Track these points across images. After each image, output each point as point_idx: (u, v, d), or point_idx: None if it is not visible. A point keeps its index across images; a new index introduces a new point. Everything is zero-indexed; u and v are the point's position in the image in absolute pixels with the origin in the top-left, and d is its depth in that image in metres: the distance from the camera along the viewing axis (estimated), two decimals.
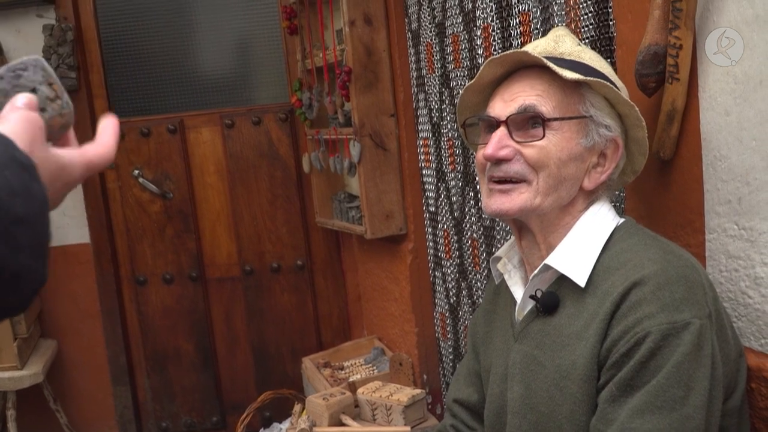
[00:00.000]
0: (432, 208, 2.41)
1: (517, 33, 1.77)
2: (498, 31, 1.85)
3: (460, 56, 2.06)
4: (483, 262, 2.12)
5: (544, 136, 1.11)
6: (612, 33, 1.42)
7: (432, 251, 2.46)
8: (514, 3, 1.77)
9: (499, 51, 1.84)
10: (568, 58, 1.15)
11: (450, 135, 2.20)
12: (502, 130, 1.13)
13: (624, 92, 1.16)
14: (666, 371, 0.96)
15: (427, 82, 2.29)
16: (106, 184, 3.05)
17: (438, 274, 2.44)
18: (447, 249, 2.34)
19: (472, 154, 2.03)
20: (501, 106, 1.15)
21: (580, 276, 1.10)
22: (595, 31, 1.47)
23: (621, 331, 1.01)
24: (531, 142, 1.11)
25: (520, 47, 1.33)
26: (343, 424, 2.16)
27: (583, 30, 1.51)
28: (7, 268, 0.53)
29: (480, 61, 1.95)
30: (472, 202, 2.14)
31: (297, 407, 2.41)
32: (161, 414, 3.16)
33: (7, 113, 0.61)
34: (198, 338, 3.11)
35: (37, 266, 0.56)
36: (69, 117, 0.67)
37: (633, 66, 1.24)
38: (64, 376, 3.10)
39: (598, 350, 1.04)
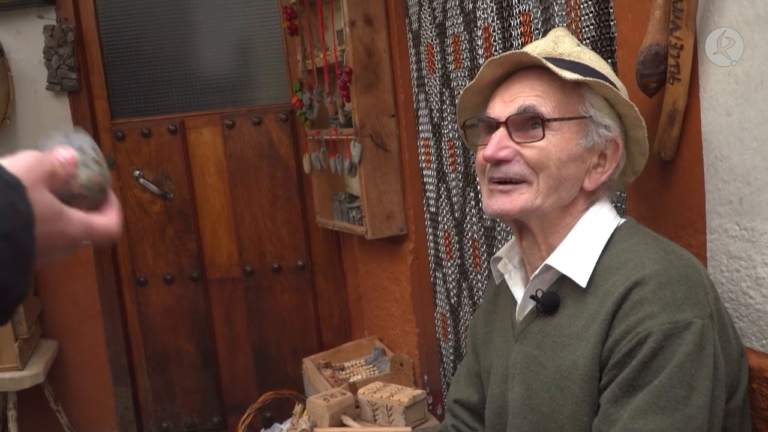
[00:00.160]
0: (433, 209, 2.41)
1: (517, 33, 1.77)
2: (498, 31, 1.84)
3: (461, 56, 2.06)
4: (484, 263, 2.12)
5: (543, 136, 1.11)
6: (613, 33, 1.42)
7: (433, 252, 2.46)
8: (515, 3, 1.77)
9: (500, 51, 1.84)
10: (567, 58, 1.15)
11: (450, 135, 2.20)
12: (501, 131, 1.13)
13: (623, 92, 1.16)
14: (668, 371, 0.96)
15: (428, 82, 2.29)
16: None
17: (439, 274, 2.44)
18: (448, 249, 2.34)
19: (472, 154, 2.02)
20: (501, 107, 1.15)
21: (580, 276, 1.10)
22: (595, 32, 1.47)
23: (622, 331, 1.01)
24: (531, 142, 1.11)
25: (521, 47, 1.33)
26: (343, 425, 2.16)
27: (583, 30, 1.51)
28: None
29: (480, 61, 1.95)
30: (472, 202, 2.14)
31: (298, 408, 2.41)
32: (162, 414, 3.16)
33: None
34: (199, 339, 3.11)
35: (17, 282, 0.56)
36: (106, 180, 0.71)
37: (634, 66, 1.23)
38: (64, 376, 3.11)
39: (599, 350, 1.04)
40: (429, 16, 2.23)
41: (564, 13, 1.57)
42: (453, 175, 2.22)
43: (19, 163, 0.60)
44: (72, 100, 2.98)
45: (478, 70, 1.21)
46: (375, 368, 2.61)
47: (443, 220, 2.34)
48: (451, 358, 2.44)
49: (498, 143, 1.12)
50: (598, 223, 1.15)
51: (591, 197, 1.17)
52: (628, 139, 1.18)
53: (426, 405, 2.26)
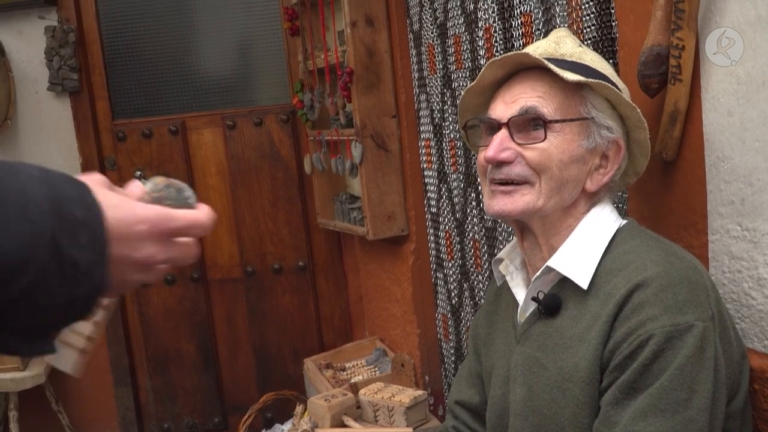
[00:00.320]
0: (434, 209, 2.40)
1: (518, 34, 1.77)
2: (500, 32, 1.84)
3: (462, 57, 2.06)
4: (485, 263, 2.12)
5: (545, 138, 1.10)
6: (614, 34, 1.41)
7: (434, 252, 2.46)
8: (516, 4, 1.76)
9: (501, 52, 1.84)
10: (569, 59, 1.14)
11: (452, 136, 2.20)
12: (503, 132, 1.13)
13: (625, 93, 1.16)
14: (669, 374, 0.96)
15: (429, 83, 2.29)
16: None
17: (440, 275, 2.44)
18: (449, 250, 2.34)
19: (473, 155, 2.02)
20: (502, 108, 1.15)
21: (582, 278, 1.09)
22: (597, 32, 1.47)
23: (624, 333, 1.00)
24: (532, 144, 1.11)
25: (522, 48, 1.33)
26: (344, 426, 2.16)
27: (585, 31, 1.50)
28: (68, 255, 0.57)
29: (482, 62, 1.95)
30: (473, 203, 2.14)
31: (299, 408, 2.41)
32: (163, 415, 3.16)
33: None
34: (200, 339, 3.11)
35: (99, 266, 0.60)
36: (181, 197, 0.79)
37: (635, 67, 1.23)
38: (66, 377, 3.10)
39: (600, 352, 1.03)
40: (430, 16, 2.23)
41: (565, 13, 1.57)
42: (454, 176, 2.22)
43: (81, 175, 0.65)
44: (73, 101, 2.98)
45: (479, 71, 1.21)
46: (376, 369, 2.61)
47: (444, 220, 2.34)
48: (452, 358, 2.44)
49: (499, 144, 1.12)
50: (600, 224, 1.14)
51: (592, 198, 1.16)
52: (629, 140, 1.17)
53: (427, 406, 2.26)
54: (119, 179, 3.02)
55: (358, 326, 3.08)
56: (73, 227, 0.58)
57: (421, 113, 2.38)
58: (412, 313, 2.53)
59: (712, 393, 0.98)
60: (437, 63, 2.22)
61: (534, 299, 1.15)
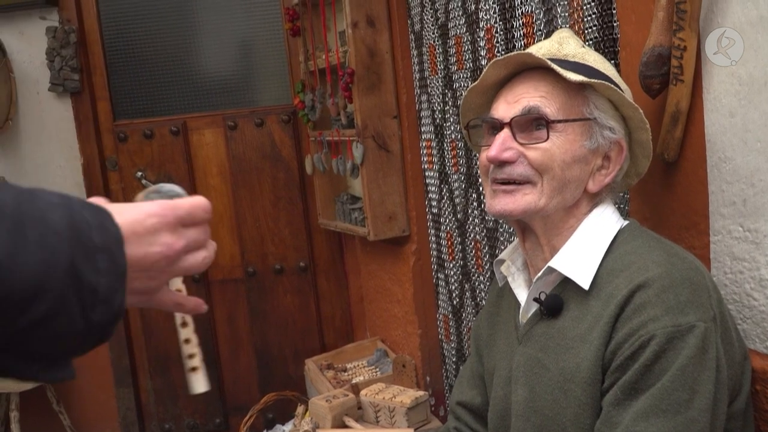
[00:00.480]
0: (435, 210, 2.40)
1: (520, 35, 1.77)
2: (501, 32, 1.84)
3: (463, 58, 2.06)
4: (486, 264, 2.12)
5: (548, 138, 1.10)
6: (616, 34, 1.41)
7: (435, 253, 2.46)
8: (518, 4, 1.76)
9: (503, 52, 1.84)
10: (572, 59, 1.14)
11: (453, 137, 2.20)
12: (505, 132, 1.13)
13: (628, 94, 1.16)
14: (671, 374, 0.96)
15: (430, 83, 2.29)
16: (109, 185, 3.05)
17: (441, 275, 2.44)
18: (450, 251, 2.34)
19: (475, 155, 2.02)
20: (505, 108, 1.15)
21: (583, 279, 1.09)
22: (598, 33, 1.47)
23: (625, 334, 1.00)
24: (535, 144, 1.11)
25: (524, 49, 1.33)
26: (346, 426, 2.16)
27: (586, 31, 1.50)
28: (87, 282, 0.57)
29: (483, 62, 1.95)
30: (475, 203, 2.14)
31: (300, 409, 2.41)
32: (164, 416, 3.16)
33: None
34: (201, 340, 3.09)
35: (118, 286, 0.60)
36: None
37: (637, 67, 1.23)
38: None
39: (602, 353, 1.03)
40: (431, 17, 2.23)
41: (567, 14, 1.57)
42: (455, 176, 2.22)
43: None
44: (74, 102, 2.99)
45: (480, 72, 1.21)
46: (377, 369, 2.61)
47: (445, 221, 2.34)
48: (454, 359, 2.44)
49: (502, 144, 1.12)
50: (602, 225, 1.14)
51: (594, 199, 1.16)
52: (631, 141, 1.17)
53: (428, 406, 2.25)
54: (120, 180, 3.02)
55: (359, 327, 3.08)
56: (92, 253, 0.58)
57: (423, 114, 2.38)
58: (413, 314, 2.53)
59: (714, 394, 0.97)
60: (438, 63, 2.22)
61: (536, 300, 1.15)
